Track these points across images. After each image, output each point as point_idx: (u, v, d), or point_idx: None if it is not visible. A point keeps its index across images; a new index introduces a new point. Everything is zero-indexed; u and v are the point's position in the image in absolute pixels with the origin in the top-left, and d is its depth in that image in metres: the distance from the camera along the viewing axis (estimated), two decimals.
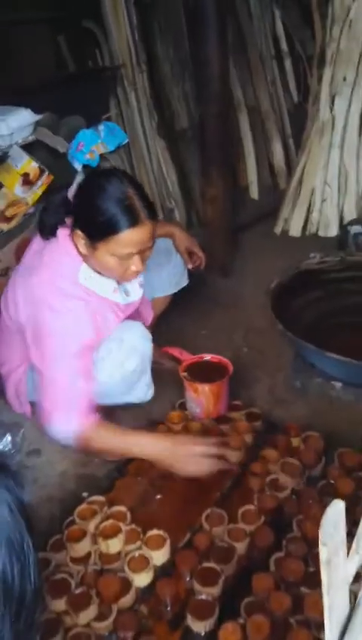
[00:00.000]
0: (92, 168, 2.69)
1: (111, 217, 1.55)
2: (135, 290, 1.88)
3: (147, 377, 1.92)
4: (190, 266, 2.21)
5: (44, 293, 1.66)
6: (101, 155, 2.96)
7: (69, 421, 1.65)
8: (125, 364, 1.80)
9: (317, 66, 3.53)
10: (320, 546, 0.69)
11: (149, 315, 2.16)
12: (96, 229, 1.59)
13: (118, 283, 1.79)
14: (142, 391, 1.93)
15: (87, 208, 1.61)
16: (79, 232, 1.62)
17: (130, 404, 2.00)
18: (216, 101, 2.79)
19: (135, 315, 2.05)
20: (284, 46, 3.89)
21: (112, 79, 3.07)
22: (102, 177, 1.62)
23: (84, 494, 1.86)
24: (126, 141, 3.07)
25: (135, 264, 1.63)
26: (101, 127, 2.92)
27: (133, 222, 1.55)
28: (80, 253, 1.67)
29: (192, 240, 2.19)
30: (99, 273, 1.71)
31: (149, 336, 1.86)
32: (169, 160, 3.30)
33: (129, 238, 1.56)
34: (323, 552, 0.69)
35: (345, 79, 3.40)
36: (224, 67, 2.72)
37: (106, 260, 1.62)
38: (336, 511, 0.71)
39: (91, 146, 2.87)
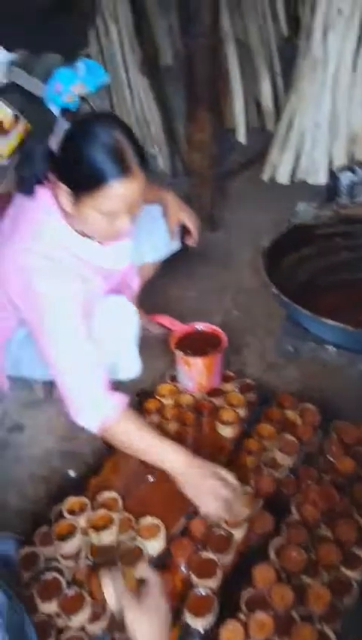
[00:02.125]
0: (75, 112, 2.48)
1: (98, 166, 1.37)
2: (123, 256, 1.72)
3: (134, 353, 1.79)
4: (176, 243, 2.03)
5: (27, 261, 1.49)
6: (80, 97, 2.72)
7: (93, 418, 1.49)
8: (109, 346, 1.66)
9: None
10: None
11: (135, 284, 2.00)
12: (82, 181, 1.41)
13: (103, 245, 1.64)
14: (129, 368, 1.81)
15: (72, 157, 1.43)
16: (63, 186, 1.45)
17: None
18: (205, 34, 2.54)
19: (121, 284, 1.91)
20: None
21: (91, 10, 2.77)
22: (89, 122, 1.44)
23: (71, 472, 1.79)
24: (107, 80, 2.82)
25: (123, 223, 1.46)
26: (80, 65, 2.66)
27: (123, 172, 1.38)
28: (62, 211, 1.51)
29: (186, 211, 1.98)
30: (82, 234, 1.56)
31: (135, 312, 1.72)
32: (152, 100, 3.06)
33: (118, 190, 1.39)
34: None
35: (339, 12, 3.15)
36: None
37: (92, 217, 1.45)
38: None
39: (69, 86, 2.61)
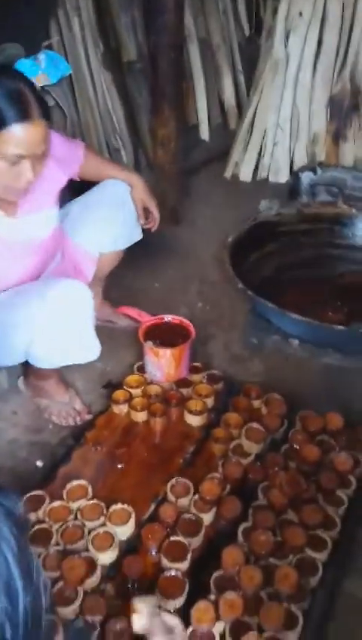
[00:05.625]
0: None
1: None
2: (38, 224, 1.69)
3: (89, 334, 1.73)
4: (141, 222, 2.06)
5: None
6: (42, 88, 2.70)
7: None
8: (64, 328, 1.64)
9: None
10: None
11: (89, 272, 1.98)
12: None
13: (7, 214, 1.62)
14: (86, 349, 1.76)
15: None
16: None
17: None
18: (169, 32, 2.57)
19: (73, 272, 1.91)
20: None
21: (53, 3, 2.75)
22: None
23: (38, 463, 1.78)
24: (69, 72, 2.81)
25: (25, 170, 1.47)
26: (42, 56, 2.65)
27: (23, 117, 1.40)
28: None
29: (151, 196, 2.04)
30: None
31: (89, 292, 1.68)
32: (115, 94, 3.05)
33: (18, 134, 1.40)
34: None
35: (301, 14, 3.22)
36: None
37: None
38: None
39: (31, 77, 2.60)
